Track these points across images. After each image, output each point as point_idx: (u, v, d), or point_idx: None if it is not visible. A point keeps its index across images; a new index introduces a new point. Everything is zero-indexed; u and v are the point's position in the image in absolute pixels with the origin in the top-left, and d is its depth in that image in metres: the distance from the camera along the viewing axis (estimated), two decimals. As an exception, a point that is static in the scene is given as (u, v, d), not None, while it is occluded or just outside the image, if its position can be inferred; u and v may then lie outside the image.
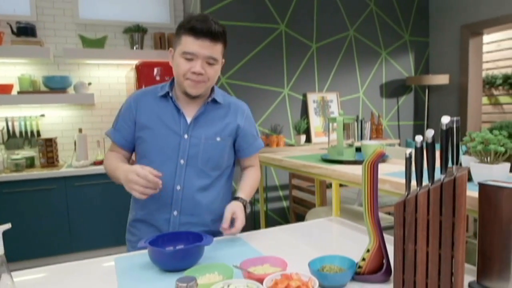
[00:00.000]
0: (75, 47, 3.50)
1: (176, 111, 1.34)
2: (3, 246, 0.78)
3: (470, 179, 1.21)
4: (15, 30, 3.21)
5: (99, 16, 3.60)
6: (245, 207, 1.32)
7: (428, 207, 0.86)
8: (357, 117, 4.03)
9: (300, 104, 3.80)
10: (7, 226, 0.78)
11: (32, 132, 3.42)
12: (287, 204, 3.72)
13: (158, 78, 3.23)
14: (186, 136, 1.33)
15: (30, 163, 3.30)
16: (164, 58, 3.48)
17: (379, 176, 0.96)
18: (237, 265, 0.96)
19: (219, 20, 1.28)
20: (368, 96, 4.10)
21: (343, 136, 1.94)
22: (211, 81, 1.31)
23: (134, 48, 3.62)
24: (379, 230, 0.94)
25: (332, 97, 3.89)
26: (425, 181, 0.89)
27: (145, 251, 1.15)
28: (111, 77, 3.69)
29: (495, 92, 4.71)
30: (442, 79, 3.92)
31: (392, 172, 1.54)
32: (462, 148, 1.29)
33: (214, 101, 1.38)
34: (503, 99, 4.65)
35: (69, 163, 3.43)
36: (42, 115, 3.46)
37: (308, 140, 3.79)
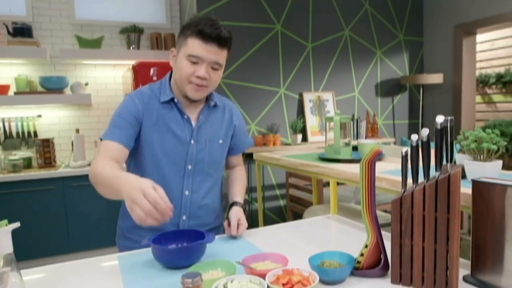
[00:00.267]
0: (71, 47, 3.51)
1: (181, 116, 1.31)
2: (12, 245, 0.80)
3: (464, 176, 1.24)
4: (11, 30, 3.20)
5: (96, 16, 3.60)
6: (244, 210, 1.38)
7: (424, 204, 0.89)
8: (353, 116, 4.06)
9: (296, 103, 3.83)
10: (16, 224, 0.80)
11: (29, 132, 3.42)
12: (284, 203, 3.74)
13: (155, 78, 3.24)
14: (192, 141, 1.32)
15: (27, 164, 3.30)
16: (160, 58, 3.49)
17: (376, 174, 0.99)
18: (239, 262, 0.99)
19: None
20: (363, 95, 4.14)
21: (340, 135, 1.97)
22: (213, 86, 1.29)
23: (131, 48, 3.62)
24: (377, 226, 0.97)
25: (328, 96, 3.92)
26: (421, 179, 0.92)
27: (147, 250, 1.17)
28: (108, 78, 3.70)
29: (489, 91, 4.77)
30: (436, 78, 3.96)
31: (389, 170, 1.56)
32: (456, 146, 1.32)
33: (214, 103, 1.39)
34: (496, 97, 4.70)
35: (67, 164, 3.43)
36: (39, 116, 3.46)
37: (305, 139, 3.82)
